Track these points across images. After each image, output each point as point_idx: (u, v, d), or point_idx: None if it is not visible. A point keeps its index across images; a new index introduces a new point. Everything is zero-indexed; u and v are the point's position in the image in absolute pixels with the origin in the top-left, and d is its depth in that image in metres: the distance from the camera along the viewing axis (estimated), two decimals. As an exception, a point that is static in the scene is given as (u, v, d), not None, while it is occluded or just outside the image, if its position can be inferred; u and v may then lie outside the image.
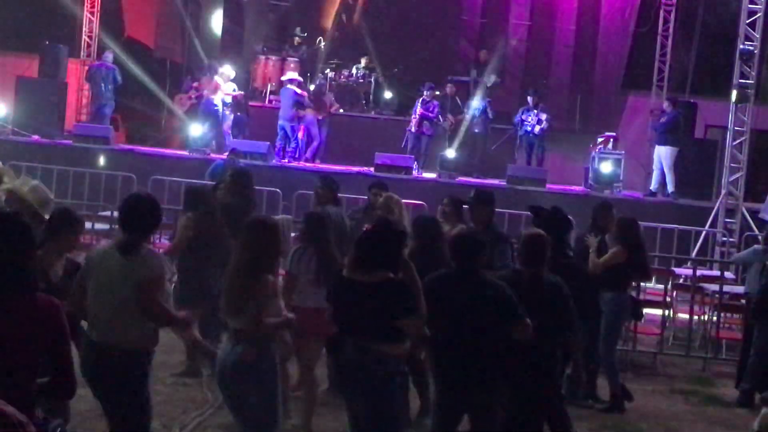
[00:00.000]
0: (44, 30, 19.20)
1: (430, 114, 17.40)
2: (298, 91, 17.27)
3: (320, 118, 17.52)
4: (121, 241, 5.23)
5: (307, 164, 17.04)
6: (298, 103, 17.23)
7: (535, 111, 17.15)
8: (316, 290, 6.90)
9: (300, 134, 17.29)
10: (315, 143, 17.52)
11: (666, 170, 16.48)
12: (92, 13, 19.59)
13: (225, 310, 5.61)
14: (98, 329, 5.17)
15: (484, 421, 5.87)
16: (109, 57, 18.02)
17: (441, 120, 17.56)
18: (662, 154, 16.51)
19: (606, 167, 16.52)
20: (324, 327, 5.80)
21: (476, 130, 17.55)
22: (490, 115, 17.50)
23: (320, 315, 6.10)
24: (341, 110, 18.19)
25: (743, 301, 10.55)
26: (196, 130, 17.13)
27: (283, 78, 17.77)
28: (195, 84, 18.23)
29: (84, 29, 19.60)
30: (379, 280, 5.31)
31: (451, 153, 16.93)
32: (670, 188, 16.47)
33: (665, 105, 16.86)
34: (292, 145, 17.25)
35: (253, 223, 5.87)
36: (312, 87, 18.74)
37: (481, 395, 5.80)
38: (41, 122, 17.29)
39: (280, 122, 17.35)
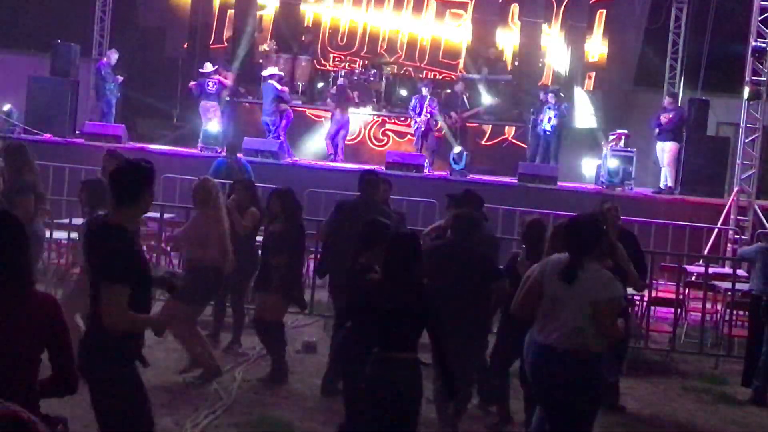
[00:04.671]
0: (56, 29, 19.25)
1: (434, 111, 17.46)
2: (278, 86, 17.29)
3: (348, 117, 17.56)
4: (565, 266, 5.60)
5: (328, 163, 17.10)
6: (278, 98, 17.26)
7: (550, 109, 17.11)
8: None
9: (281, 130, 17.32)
10: (341, 144, 17.55)
11: (664, 165, 16.48)
12: (104, 12, 19.64)
13: None
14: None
15: None
16: (111, 56, 18.04)
17: (450, 116, 17.57)
18: (664, 150, 16.49)
19: (618, 165, 16.49)
20: None
21: (547, 132, 17.25)
22: (556, 122, 17.10)
23: None
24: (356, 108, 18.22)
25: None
26: (213, 127, 17.20)
27: (264, 73, 17.76)
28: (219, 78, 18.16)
29: (96, 28, 19.65)
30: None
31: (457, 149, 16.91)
32: (669, 183, 16.45)
33: (667, 101, 16.83)
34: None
35: None
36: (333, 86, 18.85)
37: None
38: (53, 121, 17.35)
39: (263, 118, 17.47)
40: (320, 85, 19.27)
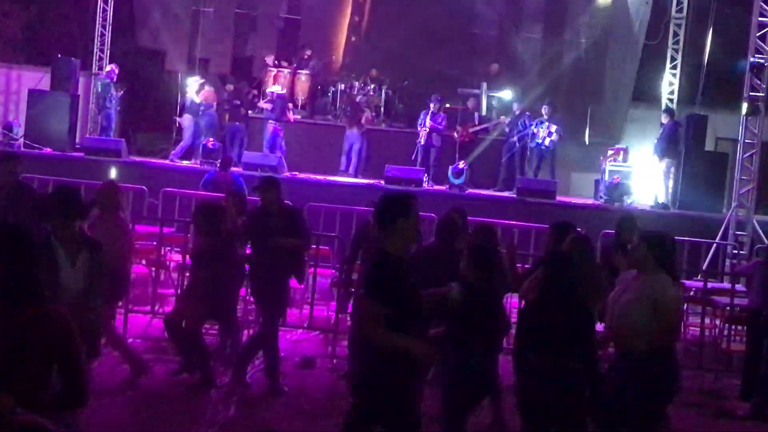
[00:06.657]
0: (56, 43, 19.30)
1: (439, 126, 17.46)
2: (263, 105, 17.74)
3: (361, 132, 17.63)
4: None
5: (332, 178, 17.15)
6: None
7: (547, 123, 17.13)
8: None
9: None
10: (354, 159, 17.61)
11: (655, 181, 16.55)
12: (104, 26, 19.70)
13: None
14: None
15: None
16: (112, 70, 18.08)
17: (456, 131, 17.64)
18: (654, 165, 16.55)
19: (616, 179, 16.52)
20: None
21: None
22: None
23: None
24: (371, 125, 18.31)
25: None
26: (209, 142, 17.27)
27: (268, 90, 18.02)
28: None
29: (96, 42, 19.70)
30: None
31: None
32: (662, 199, 16.46)
33: (663, 117, 16.91)
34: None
35: None
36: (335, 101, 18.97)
37: None
38: (53, 135, 17.36)
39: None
40: (321, 99, 19.32)
